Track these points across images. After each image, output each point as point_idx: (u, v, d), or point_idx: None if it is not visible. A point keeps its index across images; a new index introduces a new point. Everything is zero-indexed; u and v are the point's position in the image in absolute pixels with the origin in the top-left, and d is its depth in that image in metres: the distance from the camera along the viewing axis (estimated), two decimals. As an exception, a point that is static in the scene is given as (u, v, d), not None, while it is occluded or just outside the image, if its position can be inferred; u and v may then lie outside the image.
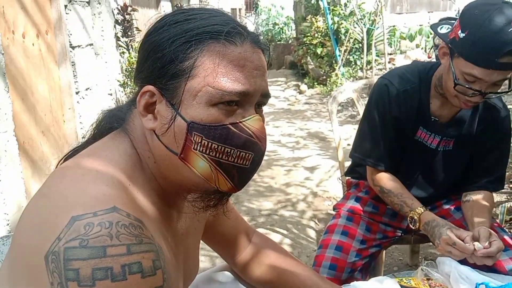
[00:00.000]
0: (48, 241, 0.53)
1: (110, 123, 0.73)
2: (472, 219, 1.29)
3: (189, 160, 0.65)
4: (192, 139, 0.63)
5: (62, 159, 0.73)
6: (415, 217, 1.29)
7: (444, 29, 1.29)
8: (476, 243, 1.14)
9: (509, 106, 1.45)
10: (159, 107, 0.66)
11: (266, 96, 0.69)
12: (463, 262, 1.16)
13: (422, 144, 1.40)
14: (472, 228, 1.24)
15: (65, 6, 2.86)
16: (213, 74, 0.63)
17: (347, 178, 1.70)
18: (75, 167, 0.64)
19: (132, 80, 0.74)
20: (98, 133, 0.74)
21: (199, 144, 0.63)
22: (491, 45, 1.12)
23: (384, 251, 1.73)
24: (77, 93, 2.97)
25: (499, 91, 1.22)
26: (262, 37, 0.71)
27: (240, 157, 0.65)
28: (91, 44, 3.19)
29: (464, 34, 1.17)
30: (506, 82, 1.24)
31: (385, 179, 1.41)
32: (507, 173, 1.72)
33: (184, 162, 0.65)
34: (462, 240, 1.16)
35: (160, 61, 0.64)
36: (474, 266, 1.16)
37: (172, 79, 0.64)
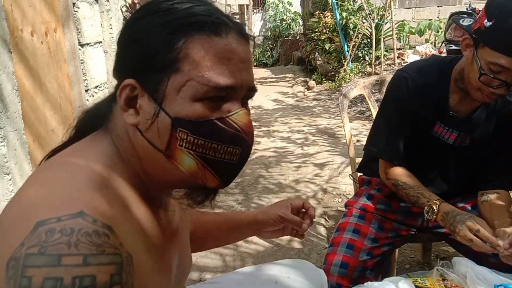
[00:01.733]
0: (12, 247, 0.51)
1: (91, 123, 0.70)
2: (492, 221, 1.25)
3: (175, 157, 0.62)
4: (177, 135, 0.61)
5: (42, 160, 0.71)
6: (434, 207, 1.25)
7: (466, 22, 1.27)
8: (499, 241, 1.11)
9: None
10: (141, 102, 0.63)
11: (252, 90, 0.67)
12: (480, 262, 1.13)
13: (439, 139, 1.38)
14: (493, 230, 1.21)
15: (73, 3, 2.86)
16: (198, 68, 0.60)
17: (359, 174, 1.68)
18: (48, 169, 0.62)
19: (113, 74, 0.69)
20: (78, 133, 0.71)
21: (185, 140, 0.61)
22: None
23: (397, 250, 1.71)
24: (86, 91, 2.97)
25: None
26: (245, 28, 0.68)
27: (227, 152, 0.63)
28: (100, 42, 3.19)
29: (490, 23, 1.15)
30: None
31: (400, 173, 1.38)
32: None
33: (169, 159, 0.63)
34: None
35: (141, 53, 0.61)
36: (492, 267, 1.13)
37: (154, 72, 0.61)
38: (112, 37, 3.36)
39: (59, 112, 2.72)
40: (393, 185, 1.39)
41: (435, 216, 1.26)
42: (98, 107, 0.71)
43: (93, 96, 3.06)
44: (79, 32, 2.92)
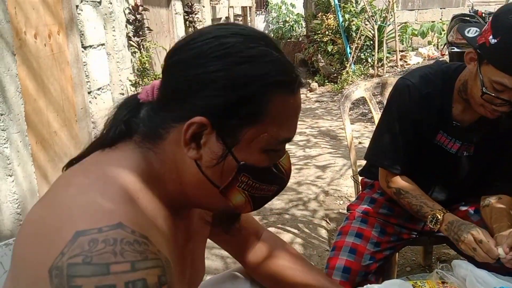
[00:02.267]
0: (52, 255, 0.52)
1: (120, 133, 0.69)
2: (491, 225, 1.25)
3: (229, 194, 0.67)
4: (239, 178, 0.65)
5: (69, 162, 0.71)
6: (439, 216, 1.25)
7: (471, 33, 1.23)
8: (499, 248, 1.11)
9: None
10: (207, 139, 0.63)
11: None
12: (480, 265, 1.13)
13: (442, 148, 1.36)
14: (492, 234, 1.21)
15: (77, 6, 2.88)
16: (274, 123, 0.64)
17: (361, 177, 1.67)
18: (81, 175, 0.62)
19: (162, 94, 0.68)
20: (109, 139, 0.70)
21: (245, 183, 0.66)
22: None
23: (397, 253, 1.71)
24: (89, 93, 2.99)
25: None
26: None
27: (270, 190, 0.70)
28: (103, 44, 3.21)
29: (496, 40, 1.10)
30: None
31: (402, 182, 1.37)
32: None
33: (223, 195, 0.67)
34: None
35: (225, 99, 0.62)
36: (491, 270, 1.13)
37: (234, 119, 0.63)
38: (115, 39, 3.38)
39: (62, 114, 2.74)
40: (395, 193, 1.38)
41: (439, 226, 1.25)
42: (132, 123, 0.68)
43: (95, 98, 3.07)
44: (82, 34, 2.93)
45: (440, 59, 4.44)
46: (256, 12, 12.62)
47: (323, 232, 2.57)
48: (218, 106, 0.62)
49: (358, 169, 1.71)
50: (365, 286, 1.09)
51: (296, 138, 4.53)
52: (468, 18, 4.93)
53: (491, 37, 1.12)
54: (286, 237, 2.49)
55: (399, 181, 1.37)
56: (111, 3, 3.31)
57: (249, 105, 0.62)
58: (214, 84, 0.62)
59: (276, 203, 2.93)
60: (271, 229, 2.56)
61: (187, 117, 0.63)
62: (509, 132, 1.32)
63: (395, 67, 6.46)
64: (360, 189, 1.67)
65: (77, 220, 0.54)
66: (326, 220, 2.73)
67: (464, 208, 1.46)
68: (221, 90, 0.62)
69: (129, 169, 0.64)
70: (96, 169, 0.63)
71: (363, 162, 1.63)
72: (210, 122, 0.63)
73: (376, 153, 1.45)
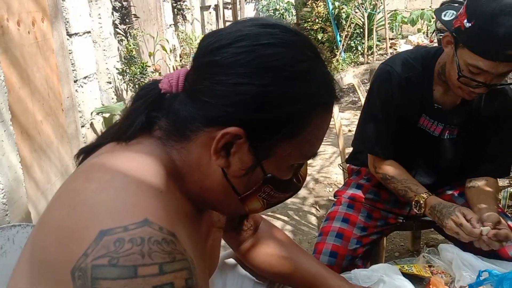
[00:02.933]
0: (75, 256, 0.50)
1: (141, 126, 0.65)
2: (477, 206, 1.27)
3: (248, 202, 0.66)
4: (263, 189, 0.65)
5: (83, 151, 0.68)
6: (421, 201, 1.27)
7: (448, 16, 1.24)
8: (483, 228, 1.12)
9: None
10: (238, 149, 0.60)
11: None
12: (466, 249, 1.14)
13: (425, 131, 1.37)
14: (480, 216, 1.22)
15: (61, -7, 2.81)
16: (309, 142, 0.63)
17: (348, 164, 1.68)
18: (101, 170, 0.58)
19: (194, 94, 0.62)
20: (125, 132, 0.65)
21: (266, 193, 0.66)
22: (499, 37, 1.07)
23: (385, 238, 1.72)
24: (75, 81, 2.94)
25: (504, 82, 1.20)
26: None
27: (285, 197, 0.70)
28: (89, 32, 3.15)
29: (470, 24, 1.12)
30: None
31: (388, 166, 1.38)
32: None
33: (242, 202, 0.66)
34: (468, 221, 1.15)
35: (270, 116, 0.59)
36: (477, 253, 1.14)
37: (273, 136, 0.60)
38: (101, 27, 3.32)
39: (47, 103, 2.69)
40: (382, 179, 1.40)
41: (423, 210, 1.27)
42: (155, 118, 0.65)
43: (82, 87, 3.03)
44: (67, 22, 2.87)
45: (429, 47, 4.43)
46: (245, 0, 12.49)
47: (313, 219, 2.58)
48: (259, 120, 0.59)
49: (346, 156, 1.72)
50: (352, 271, 1.10)
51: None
52: (457, 5, 4.92)
53: (465, 21, 1.13)
54: (276, 224, 2.48)
55: (385, 167, 1.39)
56: (96, -10, 3.24)
57: (292, 123, 0.60)
58: (259, 98, 0.59)
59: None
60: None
61: (222, 124, 0.59)
62: (492, 114, 1.33)
63: (385, 55, 6.46)
64: (347, 176, 1.68)
65: (100, 218, 0.52)
66: (315, 207, 2.74)
67: (449, 192, 1.48)
68: (267, 105, 0.59)
69: (150, 163, 0.61)
70: (115, 163, 0.59)
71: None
72: (246, 134, 0.59)
73: (361, 139, 1.46)
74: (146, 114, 0.64)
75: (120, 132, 0.65)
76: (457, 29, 1.17)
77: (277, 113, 0.59)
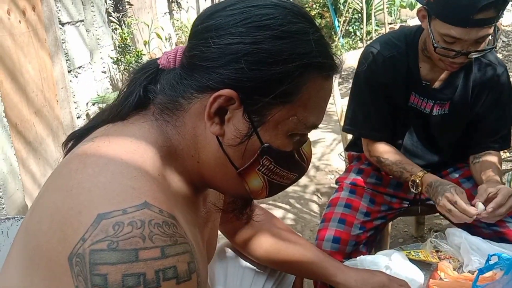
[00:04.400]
0: (72, 242, 0.48)
1: (136, 104, 0.63)
2: (481, 178, 1.26)
3: (247, 177, 0.63)
4: (260, 161, 0.61)
5: (71, 135, 0.66)
6: (417, 180, 1.26)
7: None
8: (478, 203, 1.11)
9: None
10: (233, 115, 0.59)
11: None
12: (473, 233, 1.12)
13: (416, 109, 1.36)
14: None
15: (52, -20, 2.74)
16: (305, 107, 0.60)
17: (348, 152, 1.66)
18: (96, 153, 0.56)
19: (189, 62, 0.61)
20: (120, 113, 0.63)
21: (265, 167, 0.62)
22: (465, 2, 1.09)
23: (389, 223, 1.69)
24: (69, 71, 2.88)
25: (483, 48, 1.18)
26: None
27: (288, 178, 0.66)
28: (82, 21, 3.08)
29: None
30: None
31: (381, 149, 1.37)
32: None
33: (240, 177, 0.63)
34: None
35: (262, 74, 0.57)
36: (485, 237, 1.11)
37: (265, 96, 0.58)
38: (94, 15, 3.25)
39: (42, 94, 2.64)
40: (377, 162, 1.39)
41: (420, 189, 1.26)
42: (150, 91, 0.63)
43: (76, 77, 2.97)
44: (59, 10, 2.81)
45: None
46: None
47: (315, 207, 2.56)
48: (251, 80, 0.57)
49: (347, 143, 1.69)
50: (358, 258, 1.07)
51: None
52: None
53: None
54: (277, 213, 2.47)
55: (379, 149, 1.37)
56: (88, -23, 3.17)
57: (285, 83, 0.58)
58: (251, 57, 0.57)
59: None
60: (262, 205, 2.54)
61: (214, 89, 0.57)
62: (483, 88, 1.32)
63: (384, 40, 6.40)
64: (348, 163, 1.65)
65: (98, 202, 0.49)
66: (317, 195, 2.72)
67: (455, 176, 1.46)
68: (258, 64, 0.57)
69: (146, 144, 0.58)
70: (111, 146, 0.57)
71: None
72: (240, 96, 0.57)
73: (351, 123, 1.45)
74: (144, 87, 0.63)
75: (115, 107, 0.63)
76: (428, 2, 1.19)
77: (269, 72, 0.57)
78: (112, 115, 0.63)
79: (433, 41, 1.19)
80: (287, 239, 0.97)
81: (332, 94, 1.87)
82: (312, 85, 0.60)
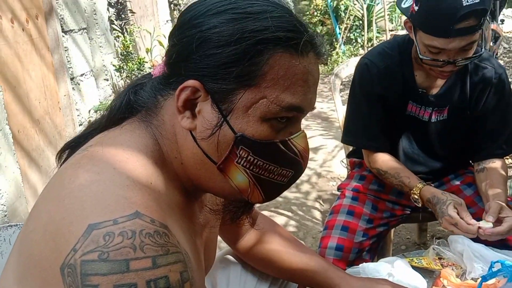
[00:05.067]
0: (63, 252, 0.48)
1: (127, 109, 0.64)
2: (486, 192, 1.25)
3: (228, 172, 0.60)
4: (237, 152, 0.58)
5: (66, 146, 0.66)
6: (416, 196, 1.26)
7: (407, 3, 1.28)
8: (481, 223, 1.10)
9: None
10: (202, 107, 0.58)
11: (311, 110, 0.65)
12: (476, 240, 1.11)
13: (415, 118, 1.36)
14: (486, 201, 1.20)
15: (55, -11, 2.77)
16: (274, 87, 0.57)
17: (349, 159, 1.65)
18: (89, 163, 0.56)
19: (166, 63, 0.63)
20: (111, 119, 0.65)
21: (244, 159, 0.59)
22: (443, 13, 1.10)
23: (392, 230, 1.69)
24: (72, 79, 2.90)
25: (470, 56, 1.19)
26: (324, 45, 0.63)
27: (281, 174, 0.62)
28: (84, 28, 3.10)
29: (417, 7, 1.17)
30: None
31: (380, 161, 1.37)
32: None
33: (221, 173, 0.60)
34: (462, 218, 1.13)
35: (217, 58, 0.56)
36: (488, 244, 1.11)
37: (226, 81, 0.56)
38: (97, 23, 3.27)
39: (44, 102, 2.66)
40: (378, 174, 1.39)
41: (421, 204, 1.27)
42: (139, 94, 0.65)
43: (78, 84, 2.99)
44: (62, 18, 2.83)
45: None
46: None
47: (317, 214, 2.55)
48: (209, 66, 0.56)
49: (349, 149, 1.69)
50: (360, 265, 1.07)
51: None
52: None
53: (414, 4, 1.19)
54: (279, 220, 2.46)
55: (377, 161, 1.38)
56: (91, -14, 3.20)
57: (242, 63, 0.55)
58: (207, 43, 0.56)
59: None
60: (265, 212, 2.53)
61: (181, 82, 0.58)
62: (480, 93, 1.32)
63: (385, 47, 6.41)
64: (350, 170, 1.65)
65: (89, 212, 0.49)
66: (319, 202, 2.71)
67: (456, 183, 1.45)
68: (213, 48, 0.56)
69: (138, 152, 0.59)
70: (103, 154, 0.57)
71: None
72: (204, 86, 0.57)
73: (349, 134, 1.45)
74: (134, 92, 0.64)
75: (108, 114, 0.65)
76: (411, 14, 1.22)
77: (223, 55, 0.56)
78: (105, 123, 0.65)
79: (419, 52, 1.21)
80: (290, 247, 0.96)
81: (334, 100, 1.88)
82: (277, 62, 0.56)
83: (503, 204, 1.15)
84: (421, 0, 1.16)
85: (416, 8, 1.18)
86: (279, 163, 0.60)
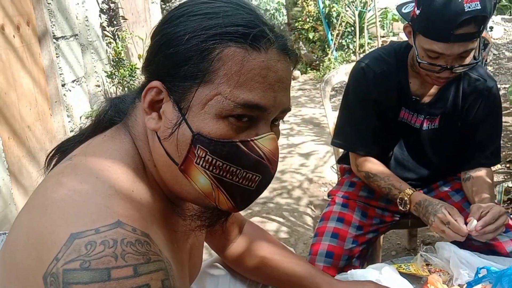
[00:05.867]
0: (46, 261, 0.48)
1: (112, 116, 0.66)
2: (473, 198, 1.26)
3: (190, 173, 0.59)
4: (195, 152, 0.57)
5: (52, 152, 0.67)
6: (405, 198, 1.26)
7: (408, 8, 1.29)
8: (472, 220, 1.11)
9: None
10: (165, 107, 0.59)
11: (285, 111, 0.63)
12: (463, 246, 1.12)
13: (406, 124, 1.37)
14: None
15: (47, -5, 2.77)
16: (229, 83, 0.56)
17: (339, 165, 1.66)
18: (71, 172, 0.57)
19: (141, 70, 0.66)
20: (97, 126, 0.67)
21: (203, 159, 0.57)
22: (445, 18, 1.11)
23: (381, 237, 1.70)
24: (63, 85, 2.89)
25: (467, 63, 1.20)
26: (290, 42, 0.62)
27: (246, 178, 0.59)
28: (76, 35, 3.10)
29: (419, 11, 1.17)
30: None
31: (370, 164, 1.37)
32: (503, 153, 1.68)
33: (184, 175, 0.59)
34: (455, 221, 1.13)
35: (173, 58, 0.58)
36: (475, 250, 1.12)
37: (183, 80, 0.57)
38: (88, 30, 3.27)
39: (35, 108, 2.65)
40: (365, 177, 1.39)
41: (408, 207, 1.26)
42: (123, 100, 0.67)
43: (70, 91, 2.98)
44: (54, 25, 2.83)
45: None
46: (236, 1, 12.43)
47: (308, 220, 2.56)
48: (167, 67, 0.58)
49: (340, 155, 1.70)
50: (348, 272, 1.07)
51: (280, 126, 4.48)
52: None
53: (416, 8, 1.19)
54: (271, 226, 2.47)
55: (367, 164, 1.38)
56: (83, -8, 3.20)
57: (194, 60, 0.56)
58: (165, 45, 0.58)
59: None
60: (256, 218, 2.53)
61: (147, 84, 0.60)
62: (473, 103, 1.34)
63: (377, 53, 6.46)
64: (340, 176, 1.66)
65: (71, 221, 0.50)
66: (311, 208, 2.72)
67: (445, 189, 1.46)
68: (170, 49, 0.58)
69: (119, 159, 0.60)
70: (86, 164, 0.58)
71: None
72: (165, 86, 0.59)
73: (340, 137, 1.45)
74: (118, 98, 0.67)
75: (94, 122, 0.67)
76: (412, 18, 1.22)
77: (177, 53, 0.57)
78: (92, 128, 0.66)
79: (417, 57, 1.21)
80: (277, 254, 0.97)
81: (324, 106, 1.89)
82: (229, 58, 0.56)
83: (480, 204, 1.16)
84: (423, 4, 1.16)
85: (417, 12, 1.18)
86: (242, 165, 0.58)
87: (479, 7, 1.09)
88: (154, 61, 0.60)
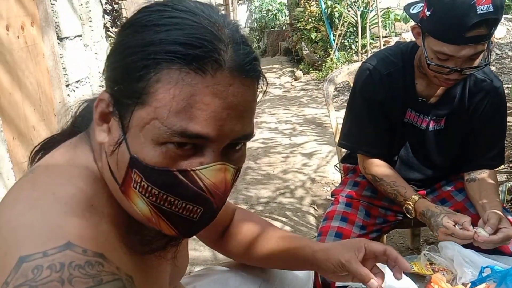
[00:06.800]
0: None
1: (79, 122, 0.65)
2: (481, 201, 1.26)
3: (129, 195, 0.56)
4: (132, 176, 0.54)
5: (36, 148, 0.67)
6: (410, 207, 1.27)
7: (416, 9, 1.28)
8: (479, 230, 1.11)
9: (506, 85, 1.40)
10: (112, 122, 0.56)
11: (243, 138, 0.56)
12: (467, 245, 1.13)
13: (412, 125, 1.37)
14: (483, 211, 1.21)
15: (51, -4, 2.78)
16: (166, 108, 0.50)
17: (343, 164, 1.67)
18: (30, 187, 0.55)
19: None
20: (70, 131, 0.66)
21: (139, 184, 0.54)
22: (456, 20, 1.10)
23: (385, 236, 1.70)
24: (67, 86, 2.90)
25: (476, 65, 1.20)
26: (254, 60, 0.54)
27: (186, 209, 0.55)
28: (80, 36, 3.11)
29: (429, 12, 1.16)
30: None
31: (376, 167, 1.37)
32: (506, 153, 1.67)
33: (124, 195, 0.57)
34: (460, 225, 1.13)
35: (116, 71, 0.54)
36: (478, 249, 1.12)
37: (125, 97, 0.53)
38: (92, 30, 3.29)
39: (39, 108, 2.66)
40: (372, 180, 1.39)
41: (414, 215, 1.28)
42: (91, 106, 0.64)
43: (74, 91, 2.99)
44: (57, 25, 2.84)
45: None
46: (238, 2, 12.49)
47: (311, 219, 2.56)
48: (112, 80, 0.55)
49: (343, 155, 1.70)
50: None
51: (282, 126, 4.50)
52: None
53: (426, 9, 1.18)
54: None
55: (374, 167, 1.38)
56: (87, -7, 3.21)
57: (131, 78, 0.52)
58: (113, 56, 0.55)
59: (263, 192, 2.91)
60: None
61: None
62: (478, 104, 1.33)
63: (379, 53, 6.45)
64: (344, 175, 1.66)
65: (21, 243, 0.48)
66: (313, 207, 2.72)
67: (448, 188, 1.47)
68: (116, 62, 0.55)
69: (79, 171, 0.57)
70: (45, 179, 0.56)
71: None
72: (112, 99, 0.55)
73: (347, 139, 1.46)
74: (85, 107, 0.65)
75: (69, 125, 0.66)
76: (421, 19, 1.21)
77: (120, 67, 0.53)
78: (68, 132, 0.65)
79: (427, 58, 1.20)
80: (266, 232, 0.93)
81: (327, 106, 1.90)
82: (169, 80, 0.50)
83: (502, 214, 1.16)
84: (434, 5, 1.15)
85: (427, 13, 1.16)
86: (180, 195, 0.54)
87: (491, 9, 1.07)
88: (106, 69, 0.56)
